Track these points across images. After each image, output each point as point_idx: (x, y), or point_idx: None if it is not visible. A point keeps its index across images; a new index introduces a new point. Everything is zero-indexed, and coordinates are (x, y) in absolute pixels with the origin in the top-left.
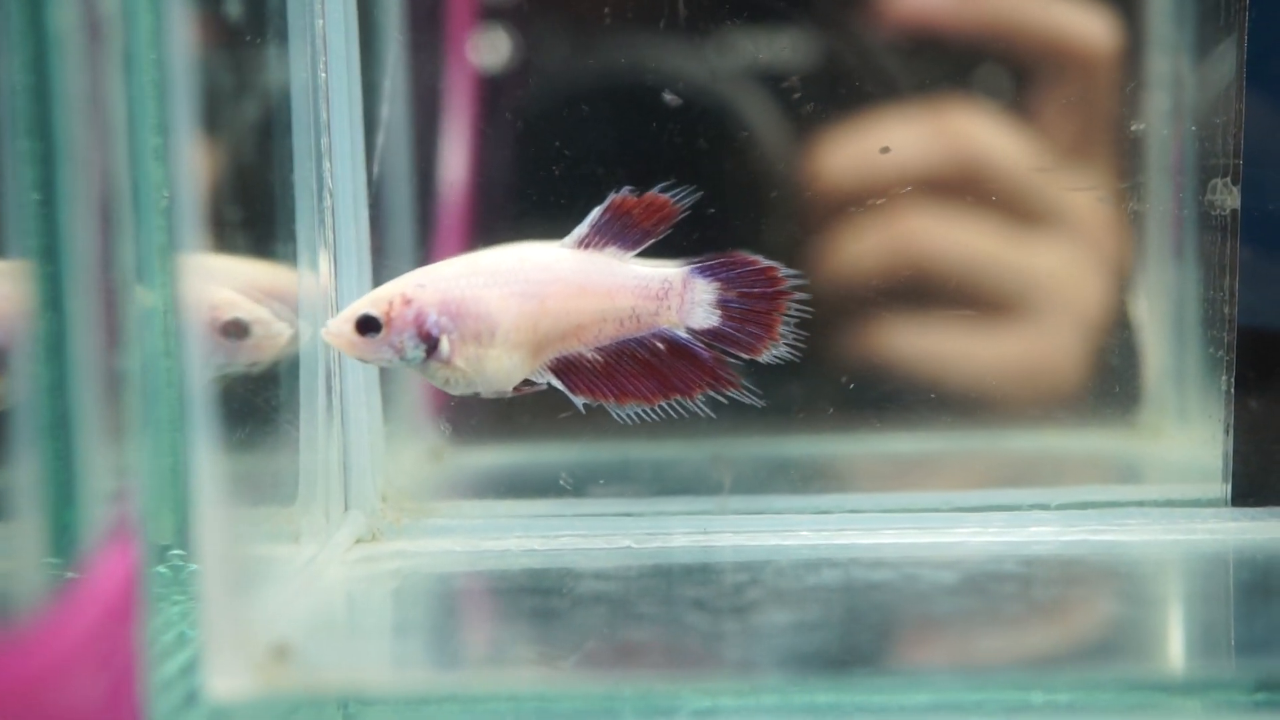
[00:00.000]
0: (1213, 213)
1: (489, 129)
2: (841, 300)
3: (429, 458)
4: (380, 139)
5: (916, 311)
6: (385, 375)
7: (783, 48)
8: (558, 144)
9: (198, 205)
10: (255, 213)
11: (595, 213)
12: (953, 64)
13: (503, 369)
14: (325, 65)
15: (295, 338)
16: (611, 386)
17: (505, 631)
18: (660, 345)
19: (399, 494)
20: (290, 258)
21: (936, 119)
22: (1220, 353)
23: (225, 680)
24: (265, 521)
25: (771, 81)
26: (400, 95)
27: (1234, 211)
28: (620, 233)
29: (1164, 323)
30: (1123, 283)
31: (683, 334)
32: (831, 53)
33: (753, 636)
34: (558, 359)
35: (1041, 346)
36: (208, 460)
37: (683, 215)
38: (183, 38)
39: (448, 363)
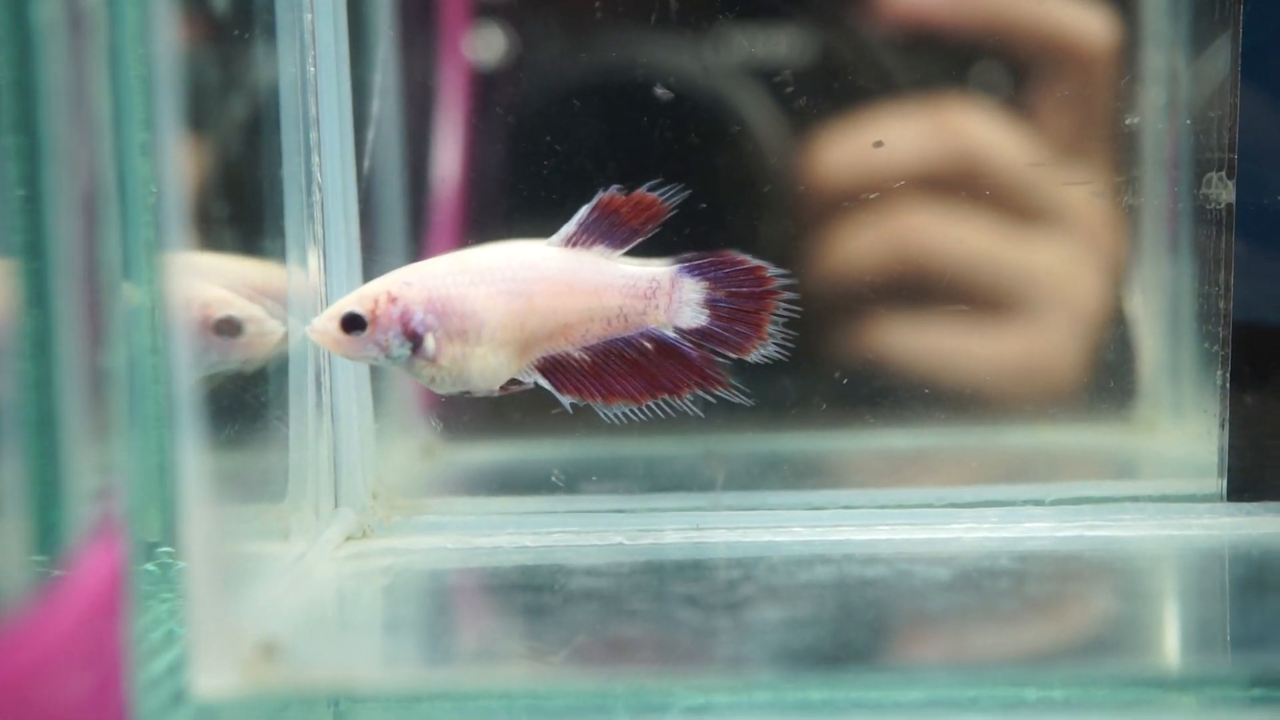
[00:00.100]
0: (1208, 207)
1: (481, 124)
2: (835, 296)
3: (420, 455)
4: (371, 134)
5: (911, 307)
6: (376, 372)
7: (777, 43)
8: (549, 139)
9: (185, 201)
10: (243, 208)
11: (583, 211)
12: (949, 60)
13: (489, 367)
14: (314, 60)
15: (286, 335)
16: (599, 386)
17: (497, 628)
18: (648, 344)
19: (390, 491)
20: (279, 254)
21: (933, 115)
22: (1215, 347)
23: (212, 678)
24: (254, 519)
25: (764, 76)
26: (391, 90)
27: (1229, 206)
28: (608, 231)
29: (1159, 318)
30: (1118, 278)
31: (671, 333)
32: (827, 48)
33: (745, 633)
34: (545, 358)
35: (1036, 342)
36: (195, 457)
37: (671, 214)
38: (169, 32)
39: (433, 361)
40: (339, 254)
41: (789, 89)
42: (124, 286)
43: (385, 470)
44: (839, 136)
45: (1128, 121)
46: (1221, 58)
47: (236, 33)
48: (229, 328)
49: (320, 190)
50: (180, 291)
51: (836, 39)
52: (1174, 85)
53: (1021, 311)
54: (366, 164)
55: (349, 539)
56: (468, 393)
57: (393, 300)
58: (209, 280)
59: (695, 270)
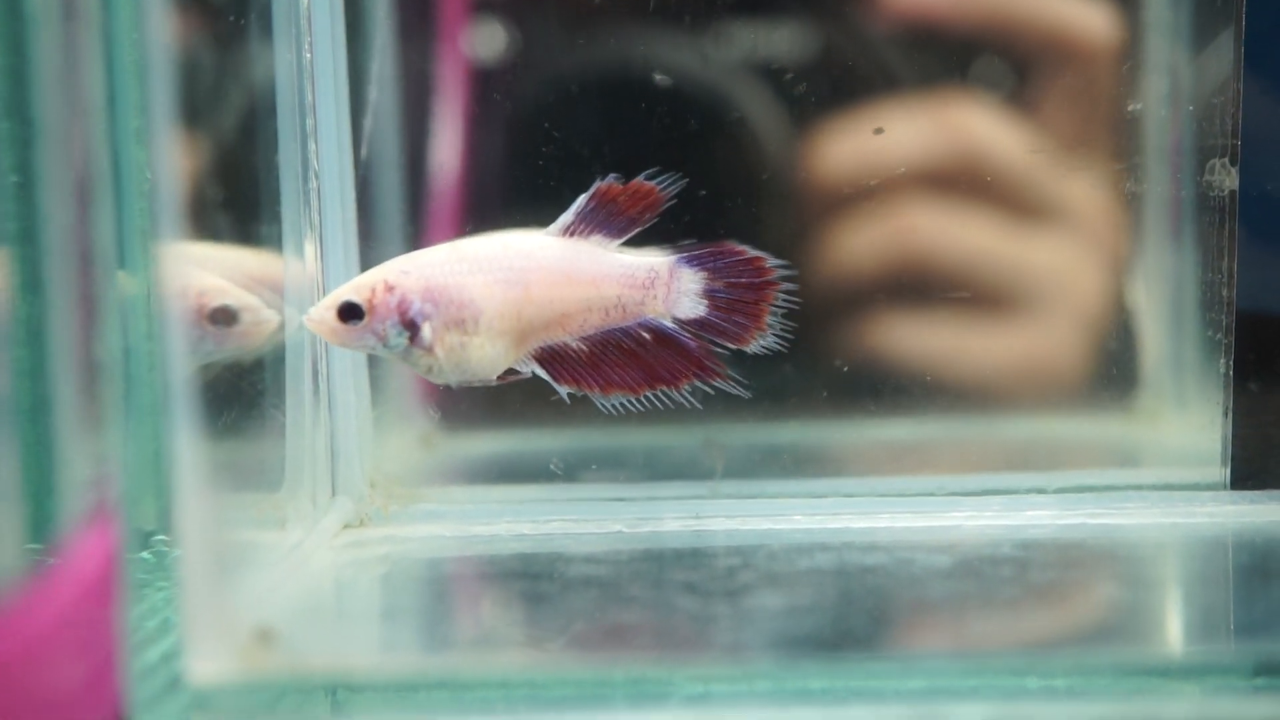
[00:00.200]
0: (1211, 194)
1: (479, 112)
2: (837, 285)
3: (419, 443)
4: (368, 122)
5: (913, 298)
6: (373, 360)
7: (779, 38)
8: (547, 127)
9: (180, 188)
10: (239, 195)
11: (581, 200)
12: (951, 55)
13: (486, 357)
14: (310, 46)
15: (283, 325)
16: (597, 376)
17: (495, 616)
18: (646, 335)
19: (388, 479)
20: (275, 241)
21: (935, 110)
22: (1219, 336)
23: (207, 664)
24: (250, 507)
25: (763, 65)
26: (389, 78)
27: (1232, 193)
28: (606, 220)
29: (1162, 306)
30: (1120, 267)
31: (669, 323)
32: (829, 44)
33: (745, 620)
34: (542, 348)
35: (1039, 331)
36: (190, 445)
37: (670, 203)
38: (163, 18)
39: (430, 350)
40: (336, 242)
41: (787, 76)
42: (119, 274)
43: (383, 459)
44: (841, 130)
45: (1130, 108)
46: (1224, 44)
47: (232, 18)
48: (224, 317)
49: (317, 178)
50: (175, 280)
51: (840, 35)
52: (1176, 72)
53: (1025, 303)
54: (364, 152)
55: (346, 527)
56: (465, 382)
57: (390, 289)
58: (204, 268)
59: (694, 260)
